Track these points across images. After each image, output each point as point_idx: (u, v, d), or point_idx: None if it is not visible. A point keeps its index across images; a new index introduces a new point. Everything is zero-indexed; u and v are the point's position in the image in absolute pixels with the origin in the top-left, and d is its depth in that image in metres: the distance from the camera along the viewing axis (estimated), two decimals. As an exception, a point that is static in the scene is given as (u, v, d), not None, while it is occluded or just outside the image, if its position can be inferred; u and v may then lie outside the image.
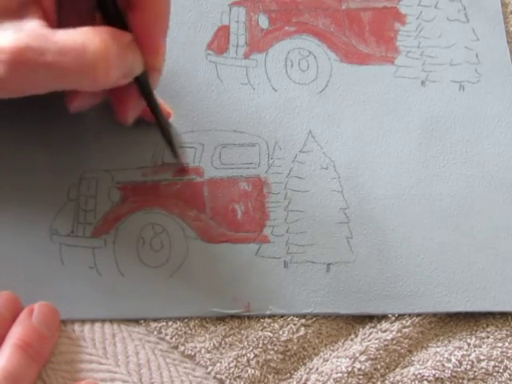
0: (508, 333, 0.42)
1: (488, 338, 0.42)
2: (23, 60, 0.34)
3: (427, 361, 0.41)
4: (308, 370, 0.41)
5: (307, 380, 0.40)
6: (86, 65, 0.34)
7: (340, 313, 0.42)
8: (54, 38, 0.34)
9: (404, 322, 0.42)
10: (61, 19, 0.38)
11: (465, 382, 0.40)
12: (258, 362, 0.40)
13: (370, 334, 0.41)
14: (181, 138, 0.45)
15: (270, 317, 0.42)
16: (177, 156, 0.44)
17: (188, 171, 0.44)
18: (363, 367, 0.40)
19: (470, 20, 0.50)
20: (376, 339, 0.41)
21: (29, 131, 0.45)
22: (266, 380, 0.40)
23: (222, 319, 0.41)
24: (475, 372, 0.40)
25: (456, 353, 0.41)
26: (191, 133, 0.46)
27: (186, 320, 0.41)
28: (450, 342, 0.42)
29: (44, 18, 0.36)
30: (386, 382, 0.40)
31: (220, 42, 0.49)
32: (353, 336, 0.42)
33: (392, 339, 0.41)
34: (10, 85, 0.36)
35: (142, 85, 0.40)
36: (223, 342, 0.41)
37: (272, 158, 0.45)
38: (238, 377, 0.40)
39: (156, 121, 0.43)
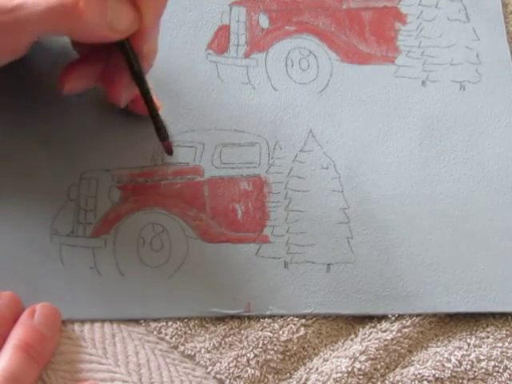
0: (508, 333, 0.42)
1: (488, 337, 0.42)
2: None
3: (427, 361, 0.41)
4: (308, 369, 0.41)
5: (307, 380, 0.40)
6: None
7: (340, 313, 0.42)
8: None
9: (404, 322, 0.42)
10: None
11: (465, 382, 0.40)
12: (257, 362, 0.40)
13: (370, 333, 0.41)
14: (179, 136, 0.45)
15: (270, 317, 0.42)
16: (164, 138, 0.43)
17: (187, 171, 0.44)
18: (363, 367, 0.40)
19: (470, 20, 0.50)
20: (376, 339, 0.41)
21: (29, 131, 0.45)
22: (265, 380, 0.40)
23: (222, 319, 0.41)
24: (475, 372, 0.40)
25: (456, 353, 0.41)
26: (192, 132, 0.46)
27: (185, 320, 0.41)
28: (449, 342, 0.42)
29: None
30: (386, 382, 0.40)
31: (220, 41, 0.49)
32: (353, 336, 0.42)
33: (392, 339, 0.41)
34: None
35: (127, 52, 0.40)
36: (223, 342, 0.41)
37: (272, 157, 0.45)
38: (238, 377, 0.40)
39: (142, 97, 0.42)
